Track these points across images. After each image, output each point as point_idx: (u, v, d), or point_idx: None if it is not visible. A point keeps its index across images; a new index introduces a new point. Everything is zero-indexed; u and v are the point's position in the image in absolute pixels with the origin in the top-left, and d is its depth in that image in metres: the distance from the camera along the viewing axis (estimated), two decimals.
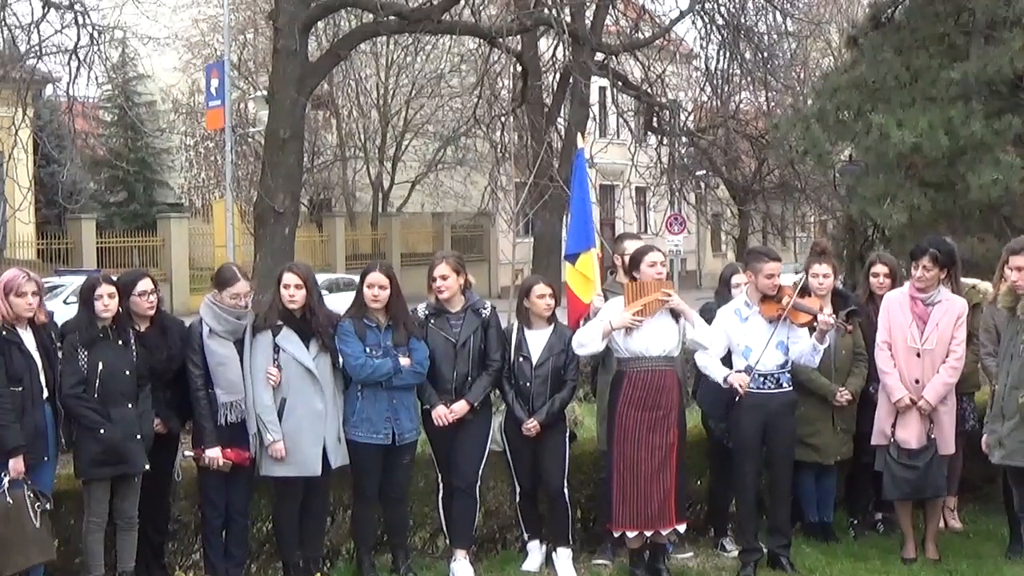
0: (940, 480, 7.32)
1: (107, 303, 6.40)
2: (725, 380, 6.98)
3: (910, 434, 7.25)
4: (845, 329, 7.51)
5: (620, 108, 25.00)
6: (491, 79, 22.74)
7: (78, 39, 16.61)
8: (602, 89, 29.02)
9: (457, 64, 31.95)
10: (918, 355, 7.27)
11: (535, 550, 7.31)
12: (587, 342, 6.90)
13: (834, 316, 7.29)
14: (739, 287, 7.58)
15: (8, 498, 6.01)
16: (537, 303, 7.19)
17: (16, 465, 6.06)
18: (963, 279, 7.89)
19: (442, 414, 6.98)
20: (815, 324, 7.06)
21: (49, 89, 23.65)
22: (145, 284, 6.67)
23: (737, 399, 6.98)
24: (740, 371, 7.03)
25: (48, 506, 6.18)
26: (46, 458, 6.29)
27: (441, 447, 7.13)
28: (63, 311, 9.07)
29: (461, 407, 6.99)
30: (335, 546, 7.29)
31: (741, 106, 29.22)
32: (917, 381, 7.26)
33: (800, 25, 24.81)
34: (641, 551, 7.00)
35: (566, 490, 7.19)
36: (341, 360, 6.85)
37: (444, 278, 7.05)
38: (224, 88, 24.93)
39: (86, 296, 6.44)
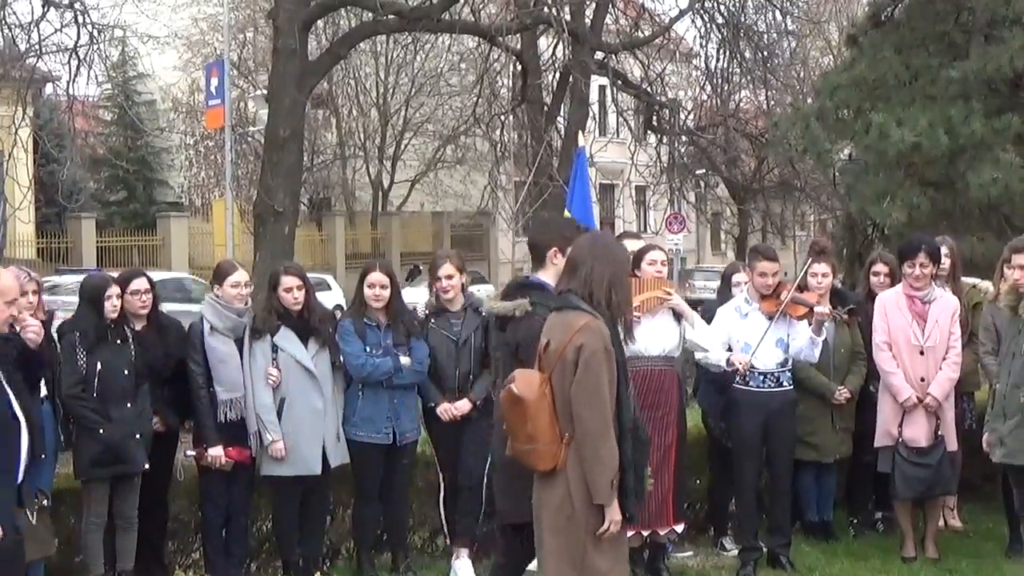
0: (950, 477, 7.32)
1: (115, 303, 6.42)
2: (728, 362, 6.97)
3: (919, 432, 7.24)
4: (843, 319, 7.52)
5: (620, 107, 24.98)
6: (491, 78, 22.73)
7: (78, 38, 16.60)
8: (602, 88, 28.99)
9: (457, 63, 31.87)
10: (921, 353, 7.26)
11: None
12: None
13: (830, 308, 7.31)
14: (740, 285, 7.59)
15: None
16: None
17: None
18: (963, 278, 7.89)
19: (447, 408, 6.97)
20: (813, 317, 7.06)
21: (49, 88, 23.62)
22: (139, 283, 6.66)
23: (735, 396, 6.98)
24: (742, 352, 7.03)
25: (46, 503, 6.16)
26: (44, 456, 6.28)
27: (444, 447, 7.11)
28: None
29: (464, 405, 6.99)
30: (335, 545, 7.29)
31: (741, 105, 29.25)
32: (923, 379, 7.25)
33: (800, 24, 24.84)
34: (640, 550, 6.99)
35: None
36: (341, 359, 6.85)
37: (450, 278, 7.05)
38: (224, 87, 24.91)
39: (93, 296, 6.43)
